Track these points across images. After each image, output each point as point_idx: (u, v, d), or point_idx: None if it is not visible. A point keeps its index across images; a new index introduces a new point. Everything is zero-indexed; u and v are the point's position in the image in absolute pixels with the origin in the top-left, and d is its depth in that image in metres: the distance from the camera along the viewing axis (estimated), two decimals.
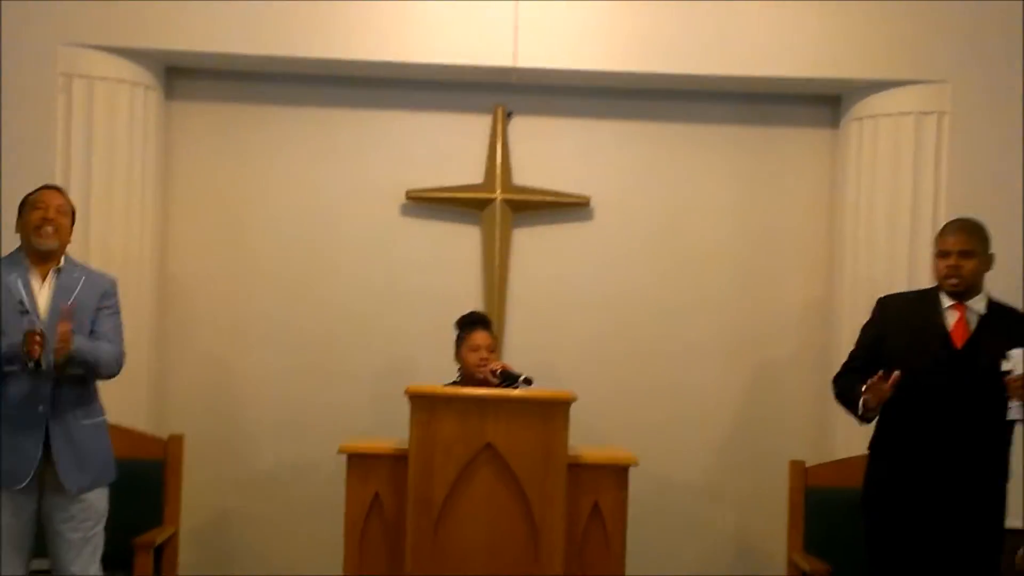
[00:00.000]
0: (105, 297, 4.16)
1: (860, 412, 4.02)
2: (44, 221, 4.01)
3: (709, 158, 5.66)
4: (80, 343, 3.93)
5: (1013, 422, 3.89)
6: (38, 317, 3.92)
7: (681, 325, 5.62)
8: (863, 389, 3.93)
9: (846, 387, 4.16)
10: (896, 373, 3.85)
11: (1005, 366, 3.79)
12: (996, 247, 4.13)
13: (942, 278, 4.05)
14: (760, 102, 5.63)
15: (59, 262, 4.08)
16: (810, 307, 5.60)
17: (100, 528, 4.08)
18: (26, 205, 4.07)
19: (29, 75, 5.15)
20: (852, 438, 4.88)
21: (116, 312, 4.21)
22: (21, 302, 3.90)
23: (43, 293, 4.01)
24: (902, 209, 5.28)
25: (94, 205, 5.20)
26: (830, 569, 4.49)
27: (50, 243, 4.03)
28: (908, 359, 3.96)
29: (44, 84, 5.18)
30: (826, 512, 4.78)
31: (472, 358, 4.77)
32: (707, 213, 5.66)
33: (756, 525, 5.53)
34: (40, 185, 4.17)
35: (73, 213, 4.18)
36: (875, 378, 3.89)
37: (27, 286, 3.98)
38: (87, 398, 4.08)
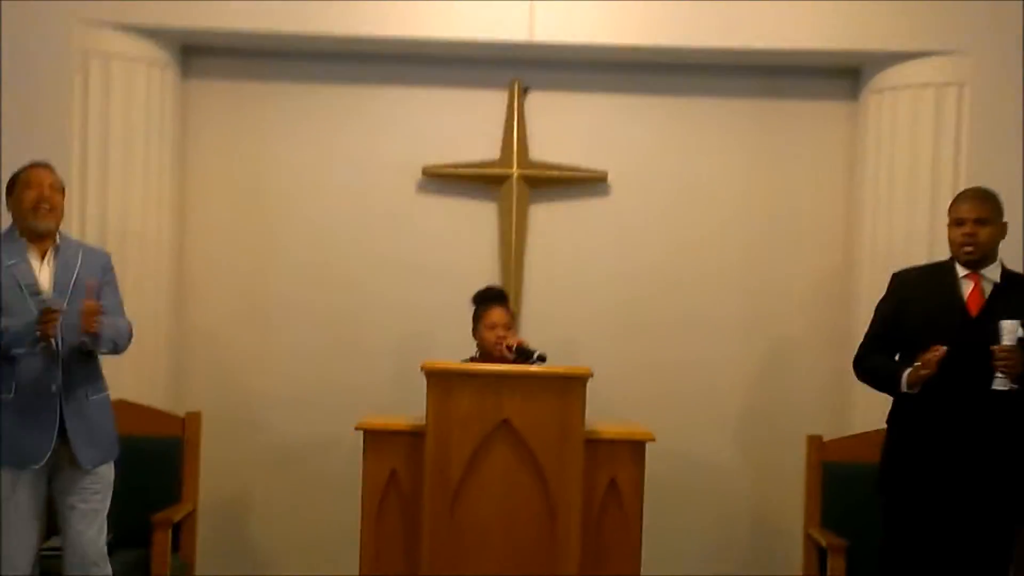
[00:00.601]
0: (105, 272, 4.16)
1: (905, 387, 3.95)
2: (40, 200, 4.00)
3: (727, 132, 5.63)
4: (105, 321, 3.96)
5: None
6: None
7: (698, 300, 5.61)
8: (919, 365, 3.87)
9: (876, 366, 4.15)
10: (943, 350, 3.83)
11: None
12: (1014, 221, 4.10)
13: (958, 247, 4.03)
14: (778, 75, 5.58)
15: (56, 240, 4.07)
16: (828, 281, 5.57)
17: (108, 500, 4.10)
18: (17, 184, 4.05)
19: (45, 54, 5.15)
20: (869, 412, 4.85)
21: (117, 286, 4.23)
22: (31, 284, 3.90)
23: (44, 272, 4.01)
24: (922, 182, 5.24)
25: (111, 184, 5.21)
26: (846, 544, 4.49)
27: (49, 223, 4.02)
28: (925, 330, 3.95)
29: (60, 63, 5.18)
30: (843, 487, 4.78)
31: (489, 336, 4.78)
32: (725, 187, 5.63)
33: (773, 500, 5.53)
34: (32, 163, 4.12)
35: (63, 190, 4.14)
36: (931, 354, 3.84)
37: (28, 266, 3.98)
38: (94, 374, 4.11)
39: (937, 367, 3.83)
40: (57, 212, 4.06)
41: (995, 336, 3.80)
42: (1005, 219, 4.06)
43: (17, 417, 3.89)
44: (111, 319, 4.02)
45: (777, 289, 5.60)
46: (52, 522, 4.16)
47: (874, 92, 5.38)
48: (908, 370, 3.93)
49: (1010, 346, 3.77)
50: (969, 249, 3.98)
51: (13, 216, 4.06)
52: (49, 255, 4.04)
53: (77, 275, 4.02)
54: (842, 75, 5.56)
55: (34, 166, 4.09)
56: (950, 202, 4.19)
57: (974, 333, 3.88)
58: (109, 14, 5.20)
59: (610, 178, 5.58)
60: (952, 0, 5.20)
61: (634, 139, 5.63)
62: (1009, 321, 3.79)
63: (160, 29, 5.28)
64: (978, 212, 4.00)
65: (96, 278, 4.03)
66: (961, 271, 4.03)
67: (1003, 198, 4.08)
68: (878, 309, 4.25)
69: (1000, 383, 3.79)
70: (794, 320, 5.61)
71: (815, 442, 4.89)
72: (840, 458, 4.84)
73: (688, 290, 5.61)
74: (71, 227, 4.81)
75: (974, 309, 3.97)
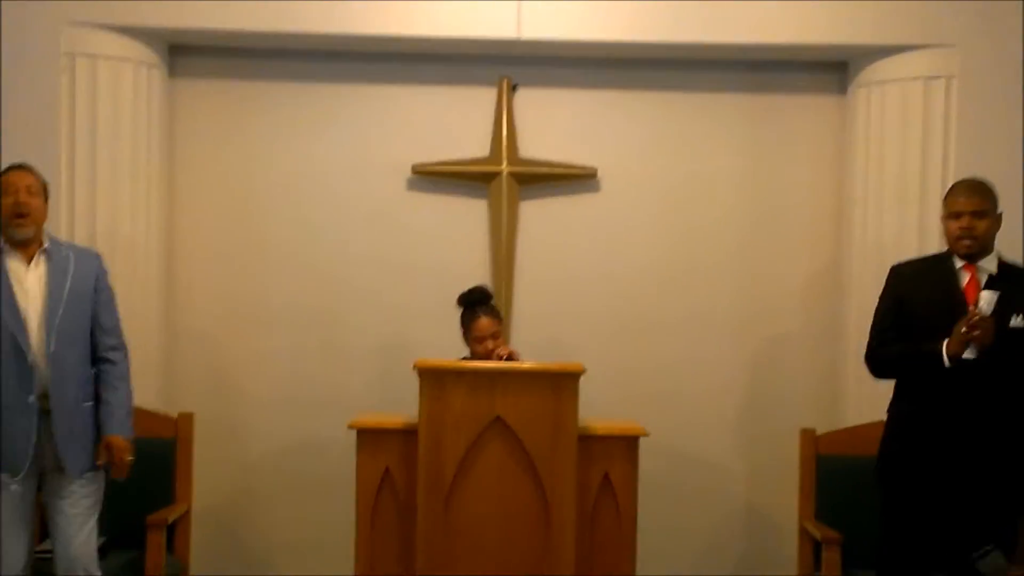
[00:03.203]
0: (100, 279, 4.14)
1: (948, 359, 3.87)
2: (16, 206, 3.93)
3: (716, 127, 5.62)
4: (127, 425, 4.12)
5: None
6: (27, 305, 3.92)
7: (690, 296, 5.60)
8: (964, 330, 3.80)
9: (902, 349, 4.05)
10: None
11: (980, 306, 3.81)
12: (1004, 210, 4.10)
13: (955, 239, 4.01)
14: (766, 70, 5.58)
15: (42, 242, 4.03)
16: (819, 275, 5.57)
17: (99, 505, 4.10)
18: None
19: (32, 55, 5.12)
20: (863, 406, 4.89)
21: (112, 296, 4.20)
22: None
23: (32, 278, 3.96)
24: (911, 175, 5.24)
25: (99, 185, 5.18)
26: (841, 537, 4.49)
27: (27, 231, 3.97)
28: (924, 323, 3.96)
29: (47, 64, 5.15)
30: (837, 480, 4.77)
31: (479, 349, 4.73)
32: (715, 183, 5.62)
33: (767, 495, 5.53)
34: (10, 165, 4.09)
35: (45, 188, 4.09)
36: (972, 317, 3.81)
37: (7, 276, 3.94)
38: (86, 381, 4.07)
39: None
40: (35, 216, 3.99)
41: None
42: (1000, 210, 4.06)
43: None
44: (124, 409, 4.14)
45: (769, 284, 5.60)
46: (45, 525, 4.15)
47: (862, 86, 5.38)
48: (947, 340, 3.86)
49: (985, 316, 3.79)
50: (968, 242, 3.98)
51: None
52: (38, 259, 3.99)
53: (71, 282, 4.00)
54: (830, 69, 5.56)
55: (10, 169, 4.04)
56: (944, 194, 4.19)
57: None
58: (96, 14, 5.17)
59: (600, 174, 5.57)
60: None
61: (623, 135, 5.62)
62: (988, 291, 3.82)
63: (147, 29, 5.25)
64: (975, 204, 3.99)
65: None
66: (958, 263, 4.03)
67: (994, 190, 4.08)
68: (880, 303, 4.22)
69: (968, 351, 3.81)
70: (786, 315, 5.60)
71: (808, 436, 4.88)
72: (833, 451, 4.83)
73: (679, 286, 5.60)
74: (59, 229, 4.79)
75: (972, 300, 3.94)
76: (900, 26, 5.22)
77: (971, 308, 3.83)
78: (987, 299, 3.81)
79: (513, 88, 5.58)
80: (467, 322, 4.80)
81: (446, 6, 5.24)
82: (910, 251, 4.89)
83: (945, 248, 4.14)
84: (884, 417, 4.21)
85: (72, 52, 5.18)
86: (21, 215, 3.95)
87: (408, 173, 5.55)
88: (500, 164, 5.51)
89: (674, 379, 5.57)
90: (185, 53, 5.56)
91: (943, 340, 3.88)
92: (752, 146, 5.62)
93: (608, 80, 5.60)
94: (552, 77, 5.60)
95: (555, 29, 5.27)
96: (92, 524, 4.06)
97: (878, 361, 4.19)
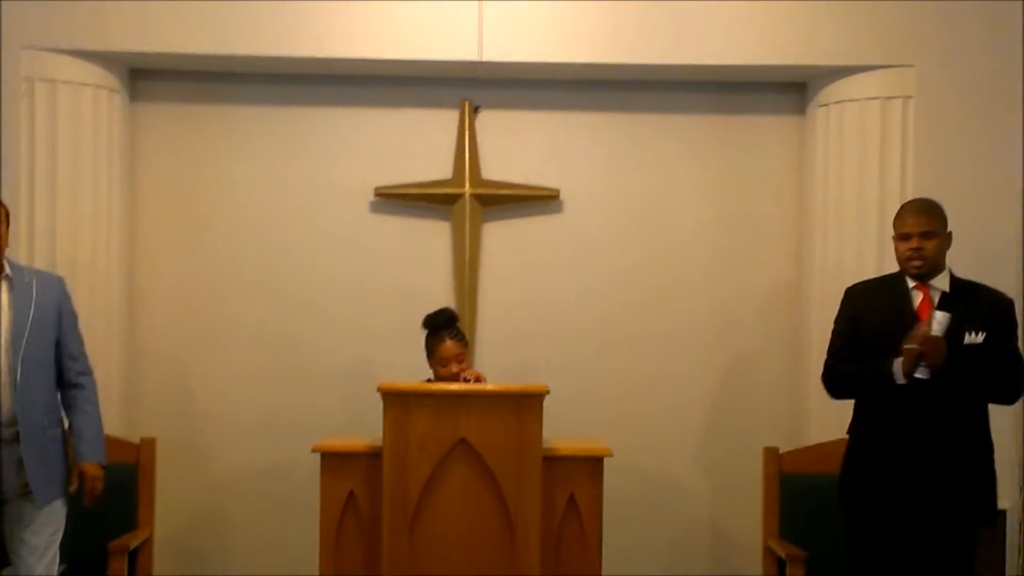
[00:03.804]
0: (63, 304, 4.10)
1: (902, 377, 3.90)
2: None
3: (677, 148, 5.65)
4: (100, 451, 4.11)
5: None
6: None
7: (653, 315, 5.62)
8: (910, 347, 3.85)
9: (857, 369, 4.10)
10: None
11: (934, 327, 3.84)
12: (961, 230, 4.15)
13: (905, 260, 4.05)
14: (727, 90, 5.62)
15: (3, 268, 3.97)
16: (781, 294, 5.60)
17: (60, 534, 4.04)
18: None
19: None
20: (826, 424, 4.92)
21: (75, 320, 4.17)
22: None
23: None
24: (870, 194, 5.27)
25: (60, 210, 5.15)
26: (806, 555, 4.51)
27: None
28: (878, 342, 3.99)
29: (6, 88, 5.11)
30: (801, 498, 4.80)
31: (443, 372, 4.68)
32: (676, 203, 5.65)
33: (731, 514, 5.54)
34: None
35: (8, 215, 4.03)
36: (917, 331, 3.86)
37: None
38: (53, 408, 4.04)
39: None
40: None
41: (947, 344, 3.85)
42: (949, 229, 4.09)
43: None
44: (95, 430, 4.12)
45: (732, 303, 5.62)
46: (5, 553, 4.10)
47: (821, 106, 5.42)
48: (899, 358, 3.89)
49: (935, 336, 3.82)
50: (918, 263, 4.01)
51: None
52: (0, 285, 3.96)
53: (35, 308, 3.95)
54: (790, 89, 5.61)
55: None
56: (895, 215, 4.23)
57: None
58: (55, 39, 5.15)
59: (562, 195, 5.59)
60: (896, 14, 5.25)
61: (585, 156, 5.65)
62: (940, 312, 3.85)
63: (107, 53, 5.23)
64: (923, 225, 4.02)
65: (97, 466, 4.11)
66: (910, 282, 4.07)
67: (949, 208, 4.11)
68: (836, 324, 4.25)
69: (923, 372, 3.85)
70: (749, 334, 5.63)
71: (771, 454, 4.90)
72: (797, 470, 4.85)
73: (642, 306, 5.62)
74: (19, 253, 4.76)
75: (925, 320, 3.98)
76: (858, 46, 5.27)
77: (918, 324, 3.87)
78: (939, 320, 3.84)
79: (475, 110, 5.59)
80: (432, 345, 4.76)
81: (407, 28, 5.25)
82: (870, 269, 4.93)
83: (899, 268, 4.18)
84: (846, 436, 4.22)
85: (31, 76, 5.15)
86: None
87: (371, 196, 5.55)
88: (463, 186, 5.51)
89: (638, 398, 5.58)
90: (146, 77, 5.54)
91: (895, 358, 3.92)
92: (713, 166, 5.65)
93: (569, 102, 5.63)
94: (514, 99, 5.61)
95: (516, 51, 5.29)
96: (54, 553, 4.01)
97: (834, 381, 4.23)
